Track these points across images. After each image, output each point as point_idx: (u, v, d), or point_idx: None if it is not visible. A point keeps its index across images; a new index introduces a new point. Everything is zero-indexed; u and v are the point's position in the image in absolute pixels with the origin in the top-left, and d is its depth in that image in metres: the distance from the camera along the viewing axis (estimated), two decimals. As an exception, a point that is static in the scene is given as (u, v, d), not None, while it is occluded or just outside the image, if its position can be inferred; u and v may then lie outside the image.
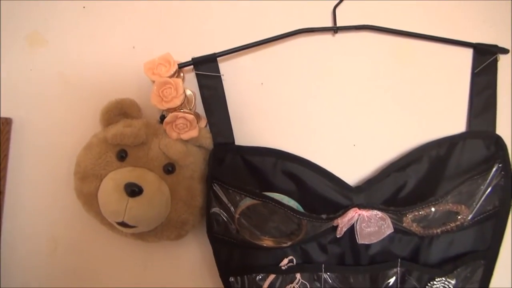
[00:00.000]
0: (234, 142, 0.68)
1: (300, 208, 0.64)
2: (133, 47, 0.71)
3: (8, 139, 0.69)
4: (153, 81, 0.64)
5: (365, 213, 0.65)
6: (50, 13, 0.70)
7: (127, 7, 0.70)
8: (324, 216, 0.63)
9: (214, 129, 0.67)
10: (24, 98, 0.71)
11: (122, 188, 0.59)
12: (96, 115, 0.67)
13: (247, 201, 0.63)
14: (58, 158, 0.70)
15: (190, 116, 0.62)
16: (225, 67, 0.69)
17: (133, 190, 0.58)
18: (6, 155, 0.69)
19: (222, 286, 0.67)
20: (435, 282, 0.68)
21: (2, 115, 0.70)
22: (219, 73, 0.68)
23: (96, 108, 0.67)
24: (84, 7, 0.71)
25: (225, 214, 0.64)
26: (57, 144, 0.70)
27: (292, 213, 0.62)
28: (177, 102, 0.62)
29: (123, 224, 0.60)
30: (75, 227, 0.70)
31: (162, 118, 0.66)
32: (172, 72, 0.63)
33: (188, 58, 0.67)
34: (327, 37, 0.72)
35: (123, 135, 0.61)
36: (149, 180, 0.60)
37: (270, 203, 0.62)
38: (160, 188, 0.61)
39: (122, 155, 0.61)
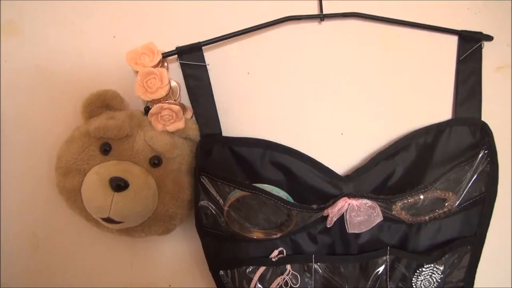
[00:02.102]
0: (221, 133, 0.66)
1: (290, 199, 0.63)
2: (114, 36, 0.68)
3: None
4: (137, 71, 0.61)
5: (354, 202, 0.64)
6: (24, 1, 0.66)
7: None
8: (314, 206, 0.62)
9: (201, 120, 0.65)
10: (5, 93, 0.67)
11: (107, 182, 0.56)
12: (77, 107, 0.64)
13: (237, 193, 0.61)
14: (37, 153, 0.67)
15: (176, 107, 0.61)
16: (210, 56, 0.67)
17: (119, 185, 0.56)
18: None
19: (212, 280, 0.66)
20: (423, 269, 0.69)
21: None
22: (205, 62, 0.66)
23: (77, 101, 0.65)
24: (60, -5, 0.67)
25: (214, 207, 0.63)
26: (36, 138, 0.68)
27: (282, 204, 0.61)
28: (162, 92, 0.60)
29: (108, 220, 0.58)
30: (57, 224, 0.68)
31: (147, 109, 0.64)
32: (156, 62, 0.61)
33: (172, 47, 0.64)
34: (314, 25, 0.71)
35: (106, 128, 0.59)
36: (135, 174, 0.58)
37: (260, 194, 0.61)
38: (146, 182, 0.59)
39: (105, 149, 0.59)
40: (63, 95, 0.67)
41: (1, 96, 0.67)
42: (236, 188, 0.62)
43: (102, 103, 0.62)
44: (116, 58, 0.67)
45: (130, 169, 0.58)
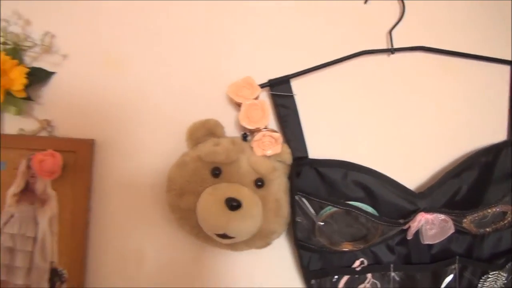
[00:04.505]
0: (307, 156, 0.74)
1: (376, 214, 0.71)
2: (208, 69, 0.76)
3: (91, 160, 0.73)
4: (237, 103, 0.69)
5: (429, 216, 0.72)
6: (124, 34, 0.74)
7: (199, 32, 0.75)
8: (402, 221, 0.70)
9: (291, 144, 0.73)
10: (106, 119, 0.74)
11: (223, 202, 0.64)
12: (176, 134, 0.73)
13: (330, 210, 0.69)
14: (140, 176, 0.74)
15: (277, 134, 0.68)
16: (295, 87, 0.75)
17: (234, 205, 0.63)
18: (90, 175, 0.73)
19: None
20: (489, 276, 0.76)
21: (85, 137, 0.73)
22: (292, 93, 0.74)
23: (175, 128, 0.73)
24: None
25: (308, 222, 0.70)
26: (139, 162, 0.74)
27: (374, 219, 0.69)
28: (264, 122, 0.68)
29: (223, 236, 0.65)
30: (161, 240, 0.74)
31: (244, 136, 0.71)
32: (256, 95, 0.69)
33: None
34: (383, 57, 0.79)
35: (216, 153, 0.66)
36: (245, 195, 0.65)
37: (353, 210, 0.68)
38: (255, 201, 0.66)
39: (216, 172, 0.67)
40: (162, 122, 0.75)
41: (106, 123, 0.74)
42: (329, 205, 0.69)
43: (206, 131, 0.69)
44: (210, 89, 0.74)
45: (240, 190, 0.66)
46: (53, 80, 0.74)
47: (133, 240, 0.74)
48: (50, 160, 0.68)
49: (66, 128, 0.74)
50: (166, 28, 0.76)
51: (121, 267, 0.74)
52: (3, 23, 0.68)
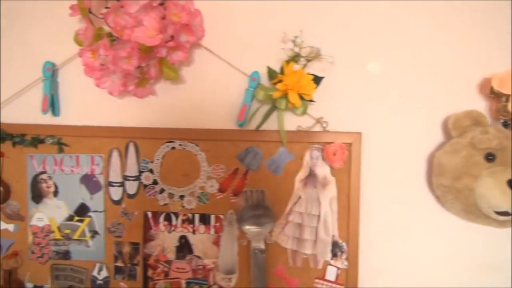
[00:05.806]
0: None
1: None
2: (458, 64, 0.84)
3: (359, 150, 0.86)
4: (495, 93, 0.77)
5: None
6: (382, 38, 0.86)
7: (451, 30, 0.84)
8: None
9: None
10: (368, 113, 0.87)
11: (504, 184, 0.72)
12: (429, 123, 0.84)
13: None
14: (400, 162, 0.86)
15: (543, 121, 0.75)
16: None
17: (515, 186, 0.72)
18: (360, 163, 0.85)
19: None
20: None
21: (354, 130, 0.86)
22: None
23: (428, 118, 0.84)
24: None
25: None
26: (398, 150, 0.86)
27: None
28: (535, 111, 0.75)
29: (503, 213, 0.74)
30: (421, 218, 0.86)
31: (505, 123, 0.79)
32: (522, 87, 0.76)
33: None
34: None
35: (489, 141, 0.75)
36: (523, 177, 0.73)
37: None
38: (531, 183, 0.74)
39: (490, 157, 0.75)
40: (420, 115, 0.85)
41: (370, 117, 0.86)
42: None
43: (472, 121, 0.78)
44: (460, 82, 0.84)
45: (518, 174, 0.74)
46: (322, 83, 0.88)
47: (397, 218, 0.86)
48: (340, 151, 0.82)
49: (333, 123, 0.87)
50: (416, 27, 0.86)
51: (388, 241, 0.87)
52: (297, 40, 0.83)
